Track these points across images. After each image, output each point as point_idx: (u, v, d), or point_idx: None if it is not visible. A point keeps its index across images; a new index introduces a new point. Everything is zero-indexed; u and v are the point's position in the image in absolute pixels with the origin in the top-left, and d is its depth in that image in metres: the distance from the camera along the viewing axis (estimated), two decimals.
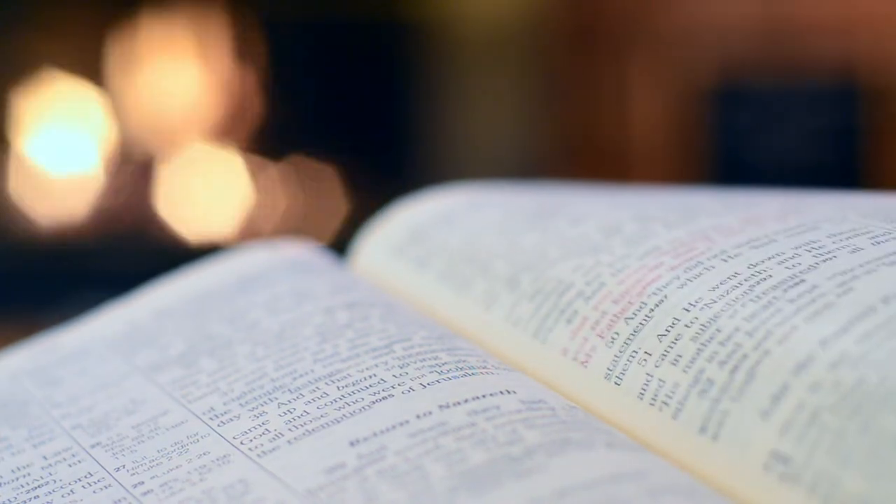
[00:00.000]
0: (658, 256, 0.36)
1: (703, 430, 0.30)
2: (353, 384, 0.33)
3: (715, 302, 0.32)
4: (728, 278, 0.33)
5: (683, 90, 1.73)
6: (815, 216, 0.36)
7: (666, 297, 0.34)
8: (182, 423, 0.34)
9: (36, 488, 0.33)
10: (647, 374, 0.32)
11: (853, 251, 0.33)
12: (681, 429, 0.30)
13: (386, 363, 0.34)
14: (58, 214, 1.72)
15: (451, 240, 0.42)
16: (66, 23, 1.73)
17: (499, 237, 0.41)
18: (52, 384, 0.39)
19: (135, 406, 0.36)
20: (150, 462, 0.33)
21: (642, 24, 1.76)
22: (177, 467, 0.32)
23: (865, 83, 1.68)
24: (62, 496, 0.32)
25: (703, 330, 0.32)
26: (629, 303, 0.34)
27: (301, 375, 0.35)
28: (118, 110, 1.73)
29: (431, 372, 0.33)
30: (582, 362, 0.34)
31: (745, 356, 0.30)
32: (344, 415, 0.32)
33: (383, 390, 0.33)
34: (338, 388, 0.33)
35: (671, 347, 0.32)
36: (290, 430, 0.32)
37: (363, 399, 0.33)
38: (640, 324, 0.33)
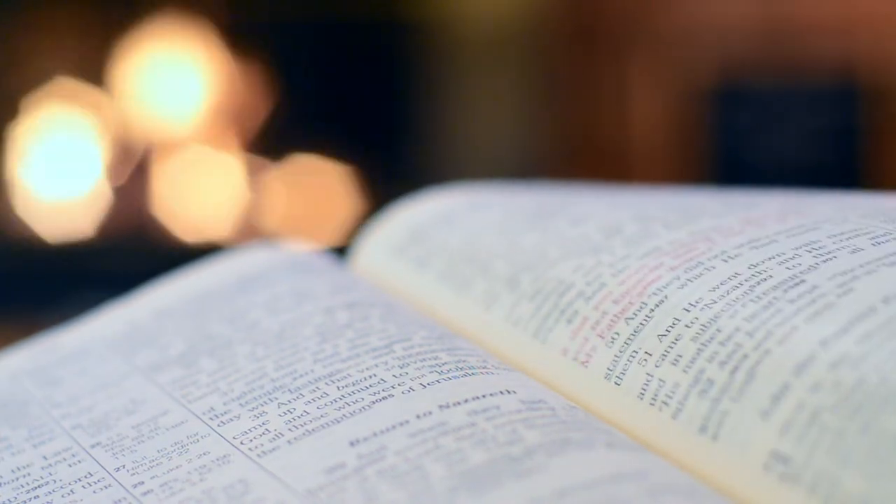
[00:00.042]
0: (658, 257, 0.36)
1: (703, 430, 0.30)
2: (353, 384, 0.33)
3: (715, 302, 0.32)
4: (728, 279, 0.33)
5: (683, 90, 1.73)
6: (816, 217, 0.36)
7: (666, 297, 0.34)
8: (182, 423, 0.34)
9: (36, 488, 0.33)
10: (648, 374, 0.32)
11: (853, 252, 0.33)
12: (681, 429, 0.30)
13: (386, 363, 0.34)
14: (58, 215, 1.72)
15: (451, 240, 0.42)
16: (65, 25, 1.73)
17: (499, 237, 0.41)
18: (52, 384, 0.39)
19: (135, 406, 0.36)
20: (150, 462, 0.33)
21: (642, 24, 1.76)
22: (177, 467, 0.32)
23: (865, 83, 1.68)
24: (62, 496, 0.32)
25: (703, 330, 0.32)
26: (629, 303, 0.34)
27: (301, 375, 0.35)
28: (118, 111, 1.73)
29: (431, 372, 0.33)
30: (582, 362, 0.34)
31: (745, 356, 0.30)
32: (344, 415, 0.32)
33: (383, 390, 0.33)
34: (338, 388, 0.33)
35: (671, 347, 0.32)
36: (290, 430, 0.32)
37: (363, 399, 0.33)
38: (641, 324, 0.33)
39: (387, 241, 0.44)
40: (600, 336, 0.34)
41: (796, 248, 0.34)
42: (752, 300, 0.32)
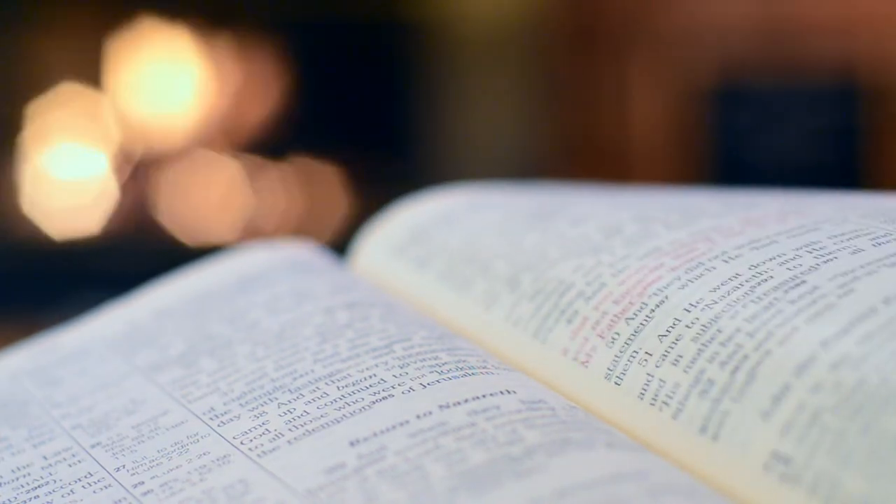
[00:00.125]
0: (659, 257, 0.36)
1: (703, 430, 0.30)
2: (353, 384, 0.33)
3: (716, 303, 0.32)
4: (729, 279, 0.33)
5: (683, 90, 1.73)
6: (816, 217, 0.36)
7: (667, 297, 0.34)
8: (182, 423, 0.34)
9: (36, 488, 0.33)
10: (648, 374, 0.32)
11: (854, 252, 0.33)
12: (681, 429, 0.30)
13: (386, 363, 0.34)
14: (59, 215, 1.72)
15: (451, 240, 0.42)
16: (67, 26, 1.73)
17: (499, 237, 0.41)
18: (52, 384, 0.39)
19: (135, 406, 0.36)
20: (150, 462, 0.33)
21: (642, 24, 1.76)
22: (177, 467, 0.32)
23: (865, 83, 1.68)
24: (62, 496, 0.32)
25: (703, 330, 0.32)
26: (630, 303, 0.34)
27: (301, 375, 0.35)
28: (119, 112, 1.73)
29: (431, 372, 0.33)
30: (582, 362, 0.34)
31: (745, 357, 0.30)
32: (344, 415, 0.32)
33: (383, 390, 0.33)
34: (338, 388, 0.33)
35: (672, 348, 0.32)
36: (290, 430, 0.32)
37: (363, 399, 0.33)
38: (641, 324, 0.33)
39: (387, 241, 0.44)
40: (600, 336, 0.34)
41: (797, 249, 0.34)
42: (752, 301, 0.32)
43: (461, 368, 0.34)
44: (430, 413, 0.31)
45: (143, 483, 0.32)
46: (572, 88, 1.78)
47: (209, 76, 1.75)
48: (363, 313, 0.38)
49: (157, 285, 0.44)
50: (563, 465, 0.29)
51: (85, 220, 1.72)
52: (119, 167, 1.72)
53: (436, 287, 0.41)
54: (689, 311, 0.33)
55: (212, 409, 0.34)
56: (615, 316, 0.34)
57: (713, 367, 0.31)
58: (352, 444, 0.31)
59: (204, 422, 0.34)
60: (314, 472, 0.30)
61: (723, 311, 0.32)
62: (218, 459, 0.32)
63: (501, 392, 0.32)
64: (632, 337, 0.33)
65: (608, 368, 0.33)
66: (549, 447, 0.29)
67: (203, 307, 0.41)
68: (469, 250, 0.41)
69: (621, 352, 0.33)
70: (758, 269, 0.33)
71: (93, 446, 0.34)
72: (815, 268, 0.32)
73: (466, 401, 0.32)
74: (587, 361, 0.34)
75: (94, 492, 0.32)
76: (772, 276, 0.33)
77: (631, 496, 0.27)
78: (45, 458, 0.34)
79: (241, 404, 0.34)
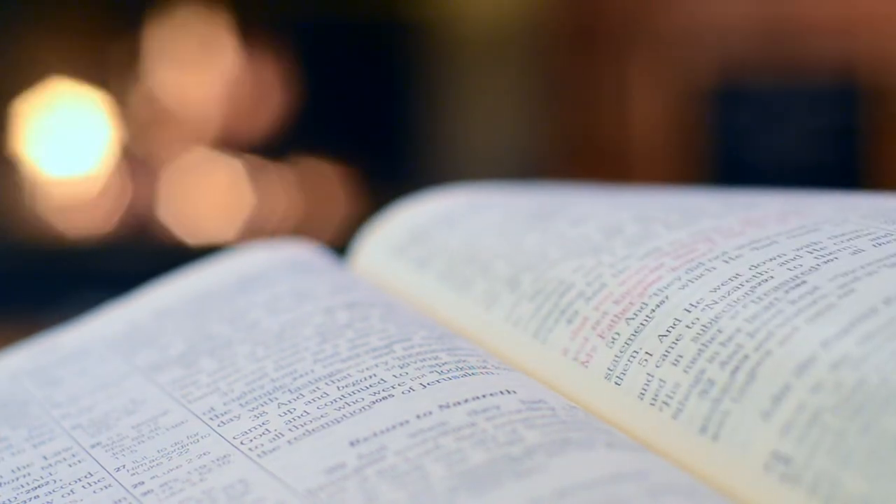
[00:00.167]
0: (659, 257, 0.36)
1: (703, 430, 0.30)
2: (354, 384, 0.33)
3: (716, 303, 0.32)
4: (729, 279, 0.33)
5: (683, 90, 1.73)
6: (816, 217, 0.36)
7: (667, 297, 0.34)
8: (182, 423, 0.34)
9: (36, 488, 0.33)
10: (648, 374, 0.32)
11: (854, 253, 0.33)
12: (681, 429, 0.30)
13: (386, 363, 0.34)
14: (60, 215, 1.72)
15: (451, 240, 0.42)
16: (69, 26, 1.73)
17: (499, 238, 0.41)
18: (52, 384, 0.39)
19: (135, 406, 0.36)
20: (150, 462, 0.33)
21: (642, 24, 1.76)
22: (177, 467, 0.32)
23: (865, 83, 1.68)
24: (62, 496, 0.32)
25: (704, 331, 0.32)
26: (630, 303, 0.34)
27: (301, 375, 0.35)
28: (121, 112, 1.73)
29: (431, 372, 0.33)
30: (582, 362, 0.34)
31: (746, 357, 0.30)
32: (344, 415, 0.32)
33: (383, 390, 0.33)
34: (338, 388, 0.33)
35: (672, 348, 0.32)
36: (290, 430, 0.32)
37: (363, 399, 0.33)
38: (641, 324, 0.33)
39: (387, 241, 0.44)
40: (601, 336, 0.34)
41: (797, 249, 0.34)
42: (753, 301, 0.32)
43: (461, 368, 0.34)
44: (430, 413, 0.31)
45: (143, 483, 0.32)
46: (572, 88, 1.78)
47: (209, 76, 1.75)
48: (363, 313, 0.38)
49: (158, 285, 0.44)
50: (563, 465, 0.29)
51: (85, 219, 1.72)
52: (119, 167, 1.72)
53: (436, 287, 0.41)
54: (689, 311, 0.33)
55: (212, 409, 0.34)
56: (615, 316, 0.34)
57: (713, 367, 0.31)
58: (352, 444, 0.31)
59: (204, 422, 0.34)
60: (314, 472, 0.30)
61: (723, 311, 0.32)
62: (218, 459, 0.32)
63: (501, 392, 0.32)
64: (632, 337, 0.33)
65: (608, 368, 0.33)
66: (549, 447, 0.29)
67: (203, 307, 0.41)
68: (469, 250, 0.41)
69: (621, 352, 0.33)
70: (758, 270, 0.33)
71: (93, 446, 0.34)
72: (816, 268, 0.32)
73: (466, 401, 0.32)
74: (587, 361, 0.34)
75: (94, 492, 0.32)
76: (772, 277, 0.33)
77: (631, 496, 0.27)
78: (45, 458, 0.34)
79: (241, 404, 0.34)
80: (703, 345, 0.31)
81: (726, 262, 0.34)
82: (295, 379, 0.35)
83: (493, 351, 0.36)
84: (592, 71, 1.77)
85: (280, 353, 0.36)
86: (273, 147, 1.75)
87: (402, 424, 0.31)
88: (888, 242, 0.33)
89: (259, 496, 0.30)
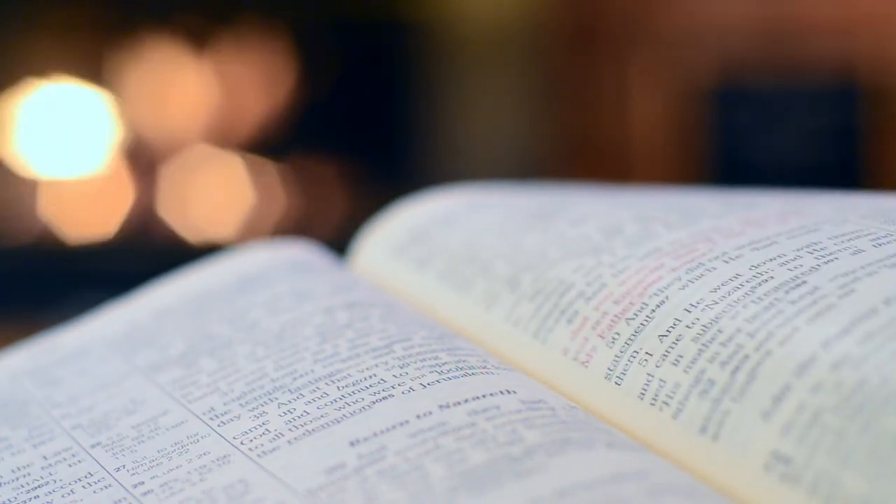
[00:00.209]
0: (659, 257, 0.36)
1: (703, 430, 0.30)
2: (353, 384, 0.33)
3: (716, 303, 0.32)
4: (729, 280, 0.33)
5: (683, 90, 1.73)
6: (816, 218, 0.36)
7: (667, 297, 0.34)
8: (182, 423, 0.34)
9: (36, 488, 0.33)
10: (648, 374, 0.32)
11: (854, 253, 0.33)
12: (681, 429, 0.30)
13: (386, 363, 0.34)
14: (60, 215, 1.72)
15: (451, 240, 0.42)
16: (69, 25, 1.73)
17: (499, 238, 0.41)
18: (52, 384, 0.39)
19: (135, 406, 0.36)
20: (150, 462, 0.33)
21: (642, 24, 1.76)
22: (177, 467, 0.32)
23: (865, 83, 1.68)
24: (62, 496, 0.32)
25: (704, 331, 0.32)
26: (630, 303, 0.34)
27: (301, 375, 0.35)
28: (120, 112, 1.73)
29: (431, 372, 0.33)
30: (582, 362, 0.34)
31: (746, 357, 0.30)
32: (344, 415, 0.32)
33: (383, 390, 0.33)
34: (338, 388, 0.33)
35: (672, 348, 0.32)
36: (290, 430, 0.32)
37: (363, 399, 0.33)
38: (642, 324, 0.33)
39: (387, 241, 0.44)
40: (601, 336, 0.34)
41: (797, 250, 0.34)
42: (753, 301, 0.32)
43: (461, 368, 0.34)
44: (430, 413, 0.31)
45: (143, 483, 0.32)
46: (572, 88, 1.78)
47: (210, 75, 1.75)
48: (363, 313, 0.38)
49: (158, 285, 0.44)
50: (563, 465, 0.29)
51: (85, 220, 1.72)
52: (119, 167, 1.72)
53: (436, 287, 0.41)
54: (689, 311, 0.33)
55: (212, 409, 0.34)
56: (615, 316, 0.34)
57: (713, 367, 0.31)
58: (352, 444, 0.31)
59: (204, 422, 0.34)
60: (314, 472, 0.30)
61: (723, 311, 0.32)
62: (218, 459, 0.32)
63: (501, 392, 0.32)
64: (632, 337, 0.33)
65: (608, 368, 0.33)
66: (549, 447, 0.29)
67: (203, 307, 0.41)
68: (469, 250, 0.41)
69: (621, 352, 0.33)
70: (758, 270, 0.33)
71: (93, 446, 0.34)
72: (816, 268, 0.32)
73: (466, 401, 0.32)
74: (587, 361, 0.34)
75: (94, 492, 0.32)
76: (772, 277, 0.33)
77: (631, 496, 0.27)
78: (45, 458, 0.34)
79: (241, 404, 0.34)
80: (703, 345, 0.31)
81: (726, 262, 0.34)
82: (295, 379, 0.35)
83: (493, 351, 0.36)
84: (592, 71, 1.77)
85: (280, 353, 0.36)
86: (273, 146, 1.75)
87: (402, 424, 0.31)
88: (888, 243, 0.33)
89: (259, 496, 0.30)
